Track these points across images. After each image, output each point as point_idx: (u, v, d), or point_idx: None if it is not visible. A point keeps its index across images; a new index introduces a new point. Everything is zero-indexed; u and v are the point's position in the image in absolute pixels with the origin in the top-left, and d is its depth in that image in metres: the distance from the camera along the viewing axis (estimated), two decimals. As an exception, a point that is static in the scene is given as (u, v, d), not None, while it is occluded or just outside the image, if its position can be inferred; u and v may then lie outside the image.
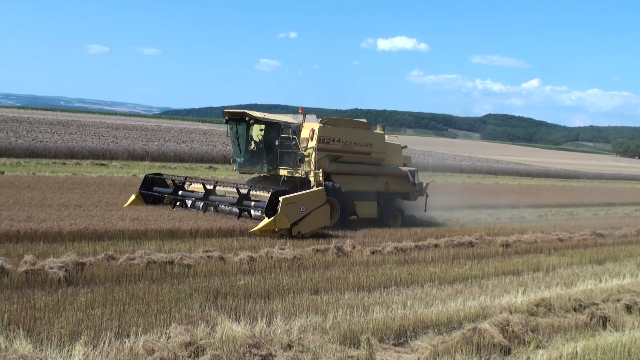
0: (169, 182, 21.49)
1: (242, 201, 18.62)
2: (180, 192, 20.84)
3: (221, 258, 13.01)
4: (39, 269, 10.71)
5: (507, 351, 8.45)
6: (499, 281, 13.53)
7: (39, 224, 14.47)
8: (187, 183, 21.27)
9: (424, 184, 24.15)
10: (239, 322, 8.55)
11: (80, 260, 11.47)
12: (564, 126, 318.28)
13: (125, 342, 7.51)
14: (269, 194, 17.52)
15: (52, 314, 8.60)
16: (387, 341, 8.57)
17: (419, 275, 13.35)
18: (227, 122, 21.39)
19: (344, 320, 9.26)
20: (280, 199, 17.04)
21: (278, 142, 20.54)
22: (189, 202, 20.49)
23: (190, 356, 7.18)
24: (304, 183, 20.23)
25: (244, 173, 22.52)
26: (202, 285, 10.89)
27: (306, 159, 20.45)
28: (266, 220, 16.90)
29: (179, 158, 49.18)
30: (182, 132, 77.43)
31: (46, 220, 15.26)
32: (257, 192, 18.98)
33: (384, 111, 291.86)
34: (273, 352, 7.39)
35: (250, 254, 13.43)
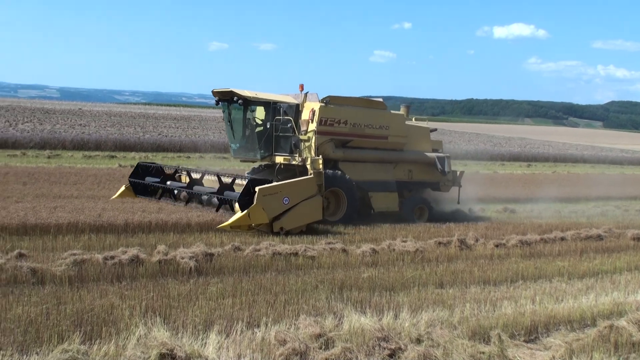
0: (169, 171, 19.19)
1: (224, 191, 16.27)
2: (168, 182, 18.58)
3: (344, 250, 13.09)
4: (171, 258, 11.13)
5: (648, 350, 8.05)
6: (632, 276, 12.90)
7: (169, 216, 15.02)
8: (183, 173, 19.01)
9: (458, 173, 21.32)
10: (365, 315, 8.53)
11: (209, 250, 11.83)
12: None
13: (256, 332, 7.67)
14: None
15: (185, 302, 8.90)
16: (517, 337, 8.33)
17: (546, 270, 12.94)
18: (217, 104, 18.92)
19: (471, 314, 9.10)
20: (257, 189, 14.74)
21: (270, 125, 18.11)
22: (178, 194, 18.21)
23: (320, 348, 7.23)
24: (304, 171, 17.57)
25: (244, 161, 20.33)
26: (326, 277, 10.97)
27: (306, 143, 17.98)
28: (239, 214, 14.62)
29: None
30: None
31: (175, 212, 15.81)
32: (244, 182, 16.13)
33: (501, 100, 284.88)
34: (402, 346, 7.33)
35: (372, 246, 13.45)
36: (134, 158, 35.85)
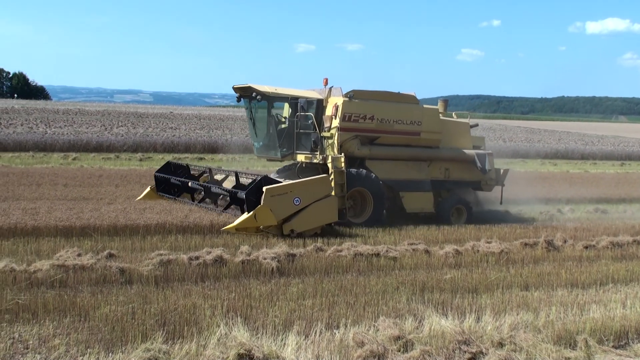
0: (194, 172, 18.49)
1: (237, 193, 15.30)
2: (190, 184, 17.76)
3: (426, 251, 12.95)
4: (254, 259, 11.27)
5: None
6: None
7: (253, 217, 15.18)
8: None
9: (502, 171, 19.83)
10: (446, 317, 8.42)
11: (291, 251, 11.93)
12: None
13: (335, 334, 7.67)
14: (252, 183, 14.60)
15: (266, 303, 8.98)
16: (606, 343, 8.02)
17: (638, 272, 12.42)
18: (239, 100, 17.92)
19: (557, 318, 8.82)
20: (264, 189, 14.01)
21: (287, 122, 17.49)
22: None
23: (399, 350, 7.17)
24: (326, 171, 16.52)
25: (270, 160, 19.43)
26: (408, 278, 10.87)
27: (329, 141, 17.03)
28: (245, 216, 13.98)
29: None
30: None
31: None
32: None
33: (593, 98, 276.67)
34: (484, 350, 7.19)
35: (455, 247, 13.25)
36: (221, 160, 36.59)
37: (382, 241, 13.93)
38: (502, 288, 10.59)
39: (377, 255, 12.29)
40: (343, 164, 16.41)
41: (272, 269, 10.96)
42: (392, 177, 17.72)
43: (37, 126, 51.10)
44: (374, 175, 17.02)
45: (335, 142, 16.86)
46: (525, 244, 14.14)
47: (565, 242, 14.66)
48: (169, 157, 37.63)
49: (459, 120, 20.21)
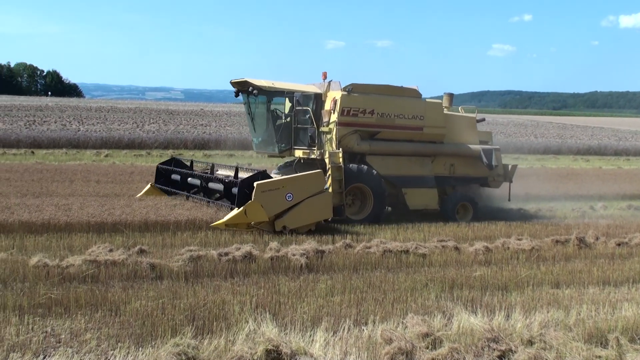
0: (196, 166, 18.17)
1: (231, 188, 14.97)
2: (188, 180, 17.41)
3: (456, 248, 12.89)
4: (283, 255, 11.32)
5: None
6: None
7: (282, 213, 15.23)
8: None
9: (509, 167, 19.17)
10: (475, 315, 8.37)
11: (320, 248, 11.96)
12: None
13: (363, 330, 7.68)
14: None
15: (295, 299, 9.01)
16: (638, 342, 7.89)
17: (672, 270, 12.25)
18: (237, 95, 17.66)
19: (588, 316, 8.73)
20: (255, 184, 13.77)
21: (287, 117, 17.25)
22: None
23: (427, 347, 7.14)
24: (324, 166, 16.28)
25: (271, 156, 18.91)
26: (437, 275, 10.83)
27: (328, 136, 16.72)
28: (235, 212, 13.69)
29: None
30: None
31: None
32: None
33: (627, 93, 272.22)
34: (513, 348, 7.13)
35: (485, 244, 13.16)
36: (251, 156, 36.69)
37: (412, 238, 13.91)
38: (533, 285, 10.51)
39: (406, 252, 12.25)
40: (341, 160, 16.06)
41: (301, 265, 10.99)
42: (394, 173, 17.35)
43: (71, 123, 51.82)
44: (374, 172, 16.68)
45: (334, 137, 16.52)
46: (557, 241, 14.00)
47: (597, 239, 14.49)
48: (199, 154, 37.97)
49: (464, 114, 19.71)
